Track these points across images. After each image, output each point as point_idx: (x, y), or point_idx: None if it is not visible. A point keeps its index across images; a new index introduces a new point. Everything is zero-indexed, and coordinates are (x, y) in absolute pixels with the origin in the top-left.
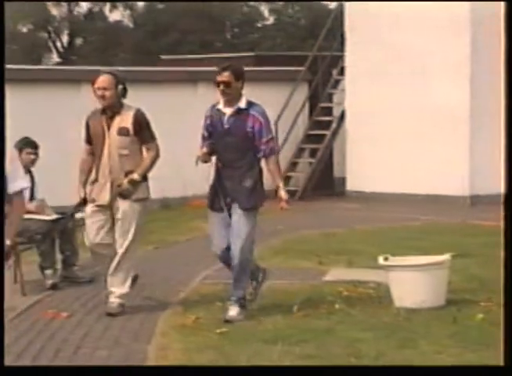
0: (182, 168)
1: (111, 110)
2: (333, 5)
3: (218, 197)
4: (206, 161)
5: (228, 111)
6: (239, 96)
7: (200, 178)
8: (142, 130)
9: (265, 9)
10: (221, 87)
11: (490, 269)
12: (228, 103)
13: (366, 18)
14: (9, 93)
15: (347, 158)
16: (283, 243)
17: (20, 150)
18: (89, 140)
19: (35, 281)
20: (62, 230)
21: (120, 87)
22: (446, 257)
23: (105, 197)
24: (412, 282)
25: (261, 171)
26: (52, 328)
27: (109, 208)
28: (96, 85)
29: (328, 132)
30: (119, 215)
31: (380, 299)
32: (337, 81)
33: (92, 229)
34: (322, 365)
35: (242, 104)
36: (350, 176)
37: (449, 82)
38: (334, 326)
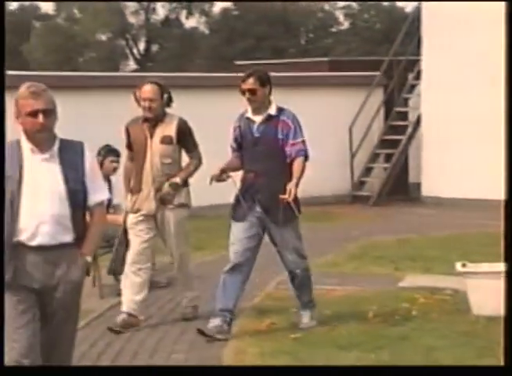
0: None
1: (155, 119)
2: (409, 8)
3: (242, 209)
4: (220, 180)
5: (257, 119)
6: (268, 103)
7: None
8: (185, 138)
9: (340, 13)
10: (247, 95)
11: None
12: (257, 110)
13: (444, 22)
14: (87, 100)
15: (423, 163)
16: (357, 248)
17: (104, 158)
18: (130, 147)
19: (111, 285)
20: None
21: (166, 96)
22: (501, 266)
23: (150, 207)
24: (492, 289)
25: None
26: (129, 331)
27: (153, 218)
28: (142, 96)
29: (403, 137)
30: (164, 225)
31: (458, 306)
32: (413, 86)
33: (136, 243)
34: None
35: (272, 111)
36: (425, 181)
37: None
38: (410, 333)
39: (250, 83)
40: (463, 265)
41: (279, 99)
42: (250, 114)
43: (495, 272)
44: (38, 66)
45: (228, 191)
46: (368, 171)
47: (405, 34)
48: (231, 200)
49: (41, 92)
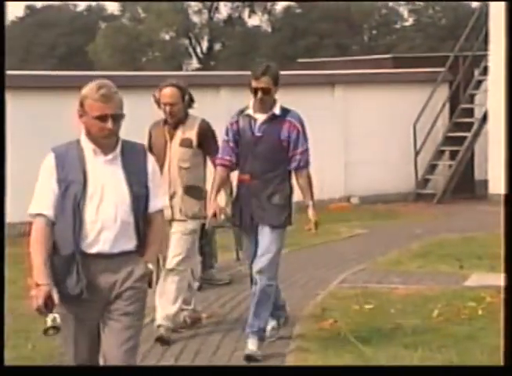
0: (319, 171)
1: (176, 121)
2: (475, 4)
3: (242, 214)
4: (219, 226)
5: (260, 117)
6: (273, 101)
7: (337, 181)
8: (207, 142)
9: (404, 9)
10: (260, 94)
11: None
12: (262, 108)
13: None
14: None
15: (490, 160)
16: (421, 247)
17: None
18: (150, 150)
19: None
20: (201, 234)
21: (187, 98)
22: None
23: (167, 213)
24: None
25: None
26: (192, 329)
27: (168, 224)
28: (162, 101)
29: (469, 134)
30: (178, 234)
31: None
32: (479, 82)
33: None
34: (324, 365)
35: (276, 110)
36: (492, 179)
37: None
38: (476, 332)
39: (265, 82)
40: None
41: (342, 96)
42: (251, 111)
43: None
44: (103, 66)
45: None
46: (432, 168)
47: (471, 29)
48: None
49: (112, 94)
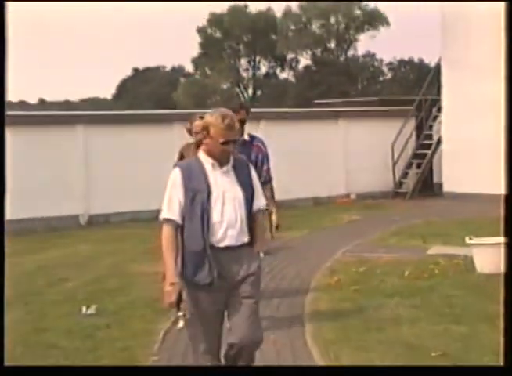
0: (328, 176)
1: None
2: (433, 63)
3: None
4: None
5: None
6: (243, 131)
7: (341, 183)
8: None
9: (385, 68)
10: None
11: None
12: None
13: (458, 72)
14: None
15: (443, 169)
16: (398, 228)
17: None
18: None
19: None
20: None
21: None
22: (502, 239)
23: None
24: (489, 255)
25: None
26: None
27: None
28: (194, 130)
29: (429, 152)
30: None
31: (467, 267)
32: (436, 117)
33: None
34: (324, 365)
35: (246, 136)
36: (445, 182)
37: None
38: (434, 285)
39: (242, 114)
40: (470, 239)
41: (344, 125)
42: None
43: (492, 244)
44: (182, 106)
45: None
46: (405, 174)
47: (430, 81)
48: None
49: (234, 123)
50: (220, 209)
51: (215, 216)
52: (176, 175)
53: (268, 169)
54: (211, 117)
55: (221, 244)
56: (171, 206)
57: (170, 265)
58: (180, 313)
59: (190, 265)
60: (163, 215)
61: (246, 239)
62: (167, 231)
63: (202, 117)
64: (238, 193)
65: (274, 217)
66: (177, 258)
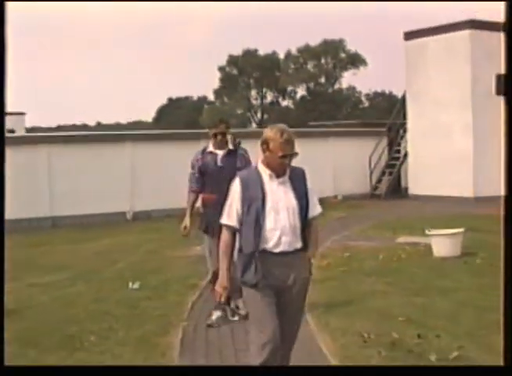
0: (320, 180)
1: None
2: (400, 95)
3: (211, 224)
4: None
5: (220, 153)
6: (226, 141)
7: (329, 186)
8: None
9: (363, 98)
10: (219, 137)
11: (488, 237)
12: (220, 146)
13: (420, 103)
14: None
15: (409, 176)
16: (374, 223)
17: None
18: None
19: None
20: None
21: (237, 141)
22: (461, 229)
23: None
24: (444, 242)
25: None
26: None
27: None
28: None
29: (398, 163)
30: None
31: (426, 252)
32: (402, 136)
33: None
34: (323, 365)
35: (230, 147)
36: (410, 186)
37: (461, 138)
38: (402, 266)
39: (222, 128)
40: (429, 231)
41: (332, 142)
42: (212, 149)
43: (445, 234)
44: (206, 128)
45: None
46: (379, 180)
47: (398, 109)
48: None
49: (292, 138)
50: (273, 217)
51: (269, 223)
52: (236, 185)
53: None
54: (271, 132)
55: (276, 250)
56: (230, 213)
57: (224, 269)
58: (231, 306)
59: (241, 266)
60: (222, 221)
61: (299, 245)
62: (225, 236)
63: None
64: (292, 202)
65: None
66: (231, 262)
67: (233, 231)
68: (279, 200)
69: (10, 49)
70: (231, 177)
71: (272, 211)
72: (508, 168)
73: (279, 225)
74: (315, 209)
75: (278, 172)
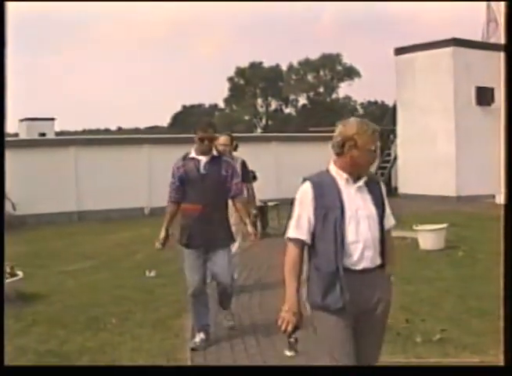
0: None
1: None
2: (391, 104)
3: (195, 237)
4: (165, 244)
5: (203, 159)
6: (211, 148)
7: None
8: (246, 173)
9: (358, 106)
10: (207, 142)
11: (468, 232)
12: (204, 152)
13: (409, 111)
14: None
15: (399, 177)
16: None
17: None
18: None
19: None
20: (262, 211)
21: (235, 143)
22: (445, 225)
23: None
24: (429, 237)
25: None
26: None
27: None
28: (220, 142)
29: (388, 165)
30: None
31: (414, 246)
32: (393, 141)
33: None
34: (322, 365)
35: (214, 153)
36: (400, 186)
37: (444, 143)
38: None
39: (211, 132)
40: (416, 226)
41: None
42: (194, 155)
43: (430, 229)
44: (217, 132)
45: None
46: None
47: (390, 117)
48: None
49: (377, 131)
50: (354, 228)
51: (350, 236)
52: (307, 191)
53: (238, 183)
54: (355, 126)
55: (357, 267)
56: (300, 224)
57: (292, 291)
58: (291, 340)
59: (318, 289)
60: (290, 234)
61: (379, 261)
62: (293, 251)
63: (228, 135)
64: (372, 210)
65: (249, 228)
66: (299, 283)
67: (302, 246)
68: (359, 208)
69: (40, 57)
70: (215, 186)
71: (353, 221)
72: (508, 168)
73: (361, 237)
74: (391, 219)
75: (359, 175)
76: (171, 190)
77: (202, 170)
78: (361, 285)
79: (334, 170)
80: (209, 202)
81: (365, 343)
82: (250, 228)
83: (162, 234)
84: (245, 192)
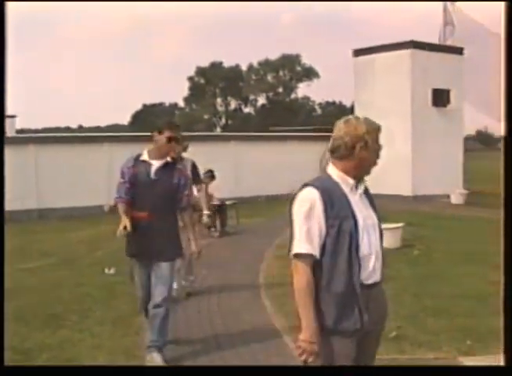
0: (278, 177)
1: (176, 160)
2: (349, 104)
3: (141, 248)
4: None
5: (155, 163)
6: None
7: (287, 183)
8: (195, 174)
9: (317, 106)
10: (173, 142)
11: (424, 231)
12: (159, 155)
13: (366, 111)
14: (199, 149)
15: None
16: None
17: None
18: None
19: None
20: (221, 210)
21: (185, 145)
22: (401, 224)
23: None
24: (385, 236)
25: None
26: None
27: None
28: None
29: None
30: None
31: None
32: None
33: None
34: (323, 365)
35: (168, 158)
36: None
37: (401, 144)
38: None
39: (178, 132)
40: None
41: (291, 145)
42: (147, 158)
43: (386, 228)
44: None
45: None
46: None
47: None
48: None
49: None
50: (367, 240)
51: (364, 248)
52: (315, 199)
53: (189, 195)
54: (365, 123)
55: (370, 281)
56: (311, 237)
57: (311, 318)
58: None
59: (330, 310)
60: (299, 249)
61: (381, 274)
62: (305, 270)
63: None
64: (374, 218)
65: (193, 245)
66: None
67: (313, 263)
68: (366, 218)
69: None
70: (165, 193)
71: (365, 232)
72: (508, 168)
73: (373, 249)
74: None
75: (362, 178)
76: (119, 190)
77: (153, 175)
78: (368, 301)
79: (336, 174)
80: (157, 210)
81: (363, 358)
82: (194, 246)
83: (125, 222)
84: (196, 193)
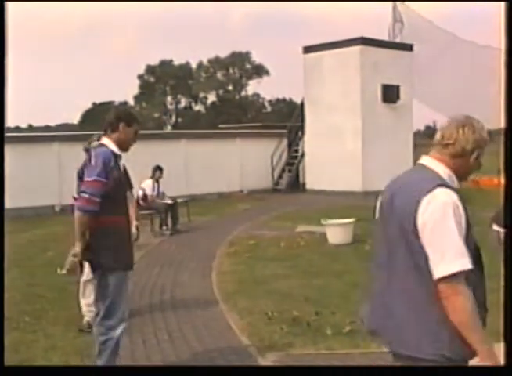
0: (228, 175)
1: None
2: (299, 101)
3: (131, 256)
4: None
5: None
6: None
7: (238, 181)
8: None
9: (267, 103)
10: (135, 137)
11: (373, 226)
12: (123, 149)
13: (315, 107)
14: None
15: (306, 173)
16: (276, 214)
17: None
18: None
19: (157, 231)
20: (172, 208)
21: None
22: (352, 219)
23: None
24: (337, 231)
25: None
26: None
27: None
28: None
29: (296, 161)
30: None
31: (322, 240)
32: (300, 138)
33: None
34: (320, 365)
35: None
36: (307, 182)
37: (351, 140)
38: (301, 252)
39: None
40: (325, 221)
41: (241, 143)
42: (115, 149)
43: (338, 224)
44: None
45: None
46: (280, 176)
47: (297, 113)
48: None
49: None
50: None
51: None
52: (458, 205)
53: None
54: (482, 130)
55: None
56: (462, 249)
57: (488, 342)
58: None
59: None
60: (460, 266)
61: None
62: (467, 291)
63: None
64: None
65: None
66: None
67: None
68: None
69: None
70: (125, 191)
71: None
72: (508, 168)
73: None
74: None
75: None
76: (95, 188)
77: (122, 170)
78: None
79: (447, 174)
80: (127, 212)
81: None
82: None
83: (77, 255)
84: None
